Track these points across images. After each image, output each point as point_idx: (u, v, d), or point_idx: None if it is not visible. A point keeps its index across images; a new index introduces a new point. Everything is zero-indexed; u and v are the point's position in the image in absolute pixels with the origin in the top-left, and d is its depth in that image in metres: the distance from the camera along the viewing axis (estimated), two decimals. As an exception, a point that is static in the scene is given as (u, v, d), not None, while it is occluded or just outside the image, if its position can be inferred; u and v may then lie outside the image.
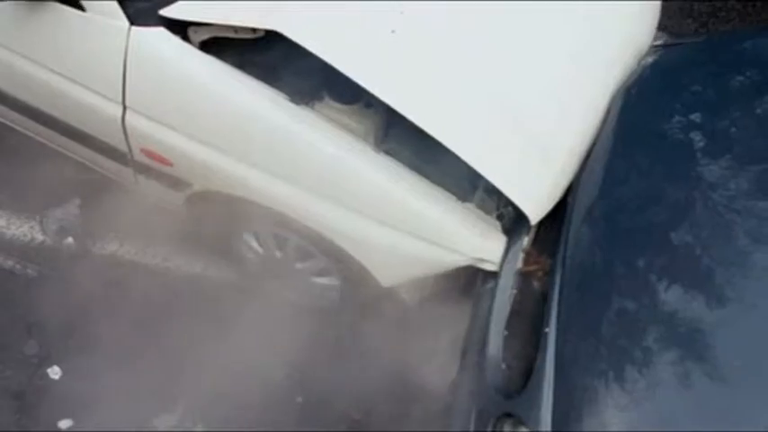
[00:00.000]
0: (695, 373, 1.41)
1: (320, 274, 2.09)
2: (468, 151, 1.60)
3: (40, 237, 2.43)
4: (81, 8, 1.69)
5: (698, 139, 1.70)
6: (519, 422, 1.48)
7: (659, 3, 2.33)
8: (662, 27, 3.62)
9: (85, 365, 2.22)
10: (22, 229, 2.44)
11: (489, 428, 1.50)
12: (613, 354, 1.47)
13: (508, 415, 1.50)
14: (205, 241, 2.33)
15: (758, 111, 1.69)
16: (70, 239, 2.41)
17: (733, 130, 1.73)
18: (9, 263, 2.37)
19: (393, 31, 1.65)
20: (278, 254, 2.10)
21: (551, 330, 1.52)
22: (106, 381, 2.18)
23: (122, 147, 1.91)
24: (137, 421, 2.16)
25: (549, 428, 1.40)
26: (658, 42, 2.11)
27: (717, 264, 1.52)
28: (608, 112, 1.90)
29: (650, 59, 2.01)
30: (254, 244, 2.14)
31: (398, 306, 1.95)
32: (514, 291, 1.71)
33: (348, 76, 1.56)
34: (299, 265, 2.10)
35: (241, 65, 1.73)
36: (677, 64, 1.93)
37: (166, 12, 1.67)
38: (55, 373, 2.22)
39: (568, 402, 1.43)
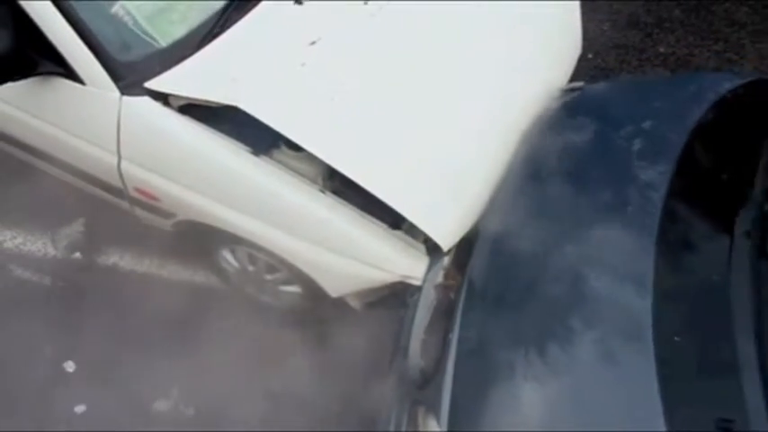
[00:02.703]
0: (566, 372, 1.84)
1: (286, 283, 2.55)
2: (386, 192, 2.02)
3: (52, 251, 2.88)
4: (82, 82, 2.13)
5: (589, 175, 2.11)
6: (428, 409, 1.94)
7: (577, 53, 2.72)
8: (609, 39, 3.95)
9: (95, 360, 2.67)
10: (36, 245, 2.90)
11: (405, 414, 1.96)
12: (502, 357, 1.90)
13: (420, 403, 1.96)
14: (192, 254, 2.79)
15: (642, 150, 2.09)
16: (78, 254, 2.86)
17: (621, 167, 2.13)
18: (27, 274, 2.83)
19: (332, 99, 2.09)
20: (250, 267, 2.56)
21: (454, 335, 1.97)
22: (113, 372, 2.63)
23: (119, 185, 2.36)
24: (139, 406, 2.62)
25: (446, 415, 1.85)
26: (567, 86, 2.51)
27: (594, 286, 1.92)
28: (516, 150, 2.32)
29: (557, 104, 2.41)
30: (231, 259, 2.59)
31: (346, 311, 2.41)
32: (434, 302, 2.16)
33: (289, 137, 2.00)
34: (268, 277, 2.55)
35: (212, 123, 2.16)
36: (581, 108, 2.33)
37: (150, 85, 2.11)
38: (70, 366, 2.67)
39: (464, 394, 1.88)
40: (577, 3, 2.82)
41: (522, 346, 1.89)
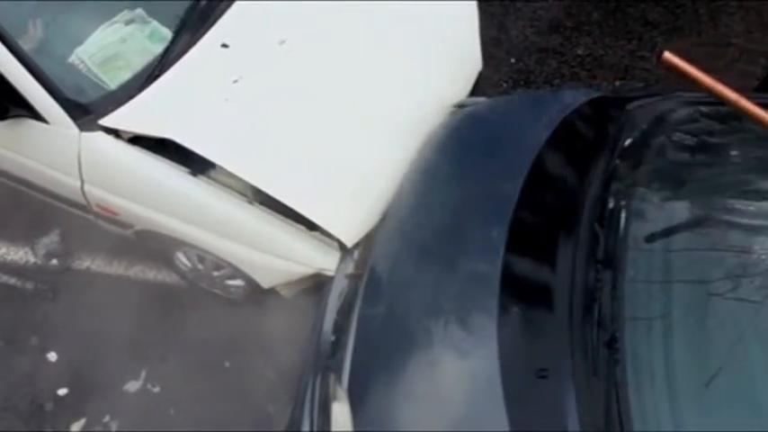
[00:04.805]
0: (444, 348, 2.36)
1: (231, 278, 3.08)
2: (295, 200, 2.54)
3: (32, 259, 3.41)
4: (46, 122, 2.65)
5: (460, 184, 2.65)
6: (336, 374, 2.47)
7: (476, 69, 3.21)
8: (531, 43, 4.39)
9: (74, 349, 3.20)
10: (18, 254, 3.43)
11: (319, 379, 2.50)
12: (393, 333, 2.43)
13: (331, 370, 2.50)
14: (153, 257, 3.33)
15: (498, 161, 2.63)
16: (55, 260, 3.40)
17: (483, 178, 2.65)
18: (12, 280, 3.35)
19: (251, 127, 2.62)
20: (200, 266, 3.09)
21: (355, 315, 2.51)
22: (89, 359, 3.16)
23: (84, 203, 2.89)
24: (112, 387, 3.16)
25: (347, 377, 2.39)
26: (460, 102, 3.02)
27: (458, 273, 2.45)
28: (414, 159, 2.84)
29: (447, 119, 2.93)
30: (185, 260, 3.13)
31: (280, 299, 2.96)
32: (345, 289, 2.69)
33: (213, 161, 2.53)
34: (215, 273, 3.09)
35: (157, 150, 2.69)
36: (459, 125, 2.84)
37: (103, 122, 2.64)
38: (52, 357, 3.19)
39: (361, 360, 2.42)
40: (476, 26, 3.32)
41: (408, 322, 2.43)
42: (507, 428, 2.05)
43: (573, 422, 2.03)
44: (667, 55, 1.88)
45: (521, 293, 2.30)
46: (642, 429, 2.03)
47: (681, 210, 2.38)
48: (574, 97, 2.69)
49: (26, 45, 2.64)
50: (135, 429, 3.10)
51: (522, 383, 2.11)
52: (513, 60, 4.44)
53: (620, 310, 2.20)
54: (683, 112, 2.57)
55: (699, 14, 4.60)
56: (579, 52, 4.47)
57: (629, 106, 2.63)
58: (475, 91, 3.29)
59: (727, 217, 2.33)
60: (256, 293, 3.05)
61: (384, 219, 2.70)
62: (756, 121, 1.98)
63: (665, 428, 2.04)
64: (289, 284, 2.84)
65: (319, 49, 2.86)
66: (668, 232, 2.35)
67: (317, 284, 2.85)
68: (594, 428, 2.03)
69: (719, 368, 2.06)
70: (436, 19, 3.12)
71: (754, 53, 4.42)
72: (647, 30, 4.55)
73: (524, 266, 2.36)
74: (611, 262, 2.29)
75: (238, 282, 3.06)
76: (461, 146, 2.73)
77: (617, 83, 4.37)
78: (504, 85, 4.33)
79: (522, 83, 4.34)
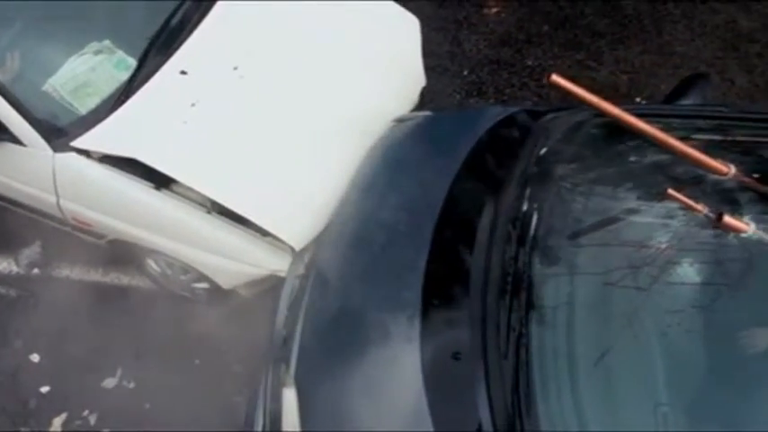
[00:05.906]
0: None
1: (197, 281, 3.43)
2: (245, 208, 2.88)
3: (15, 269, 3.74)
4: (23, 145, 3.00)
5: (394, 193, 3.00)
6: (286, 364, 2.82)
7: (419, 85, 3.55)
8: (484, 56, 4.70)
9: (55, 351, 3.52)
10: (2, 264, 3.74)
11: (271, 368, 2.84)
12: (334, 325, 2.78)
13: (282, 360, 2.84)
14: (127, 263, 3.68)
15: (427, 172, 2.98)
16: (36, 270, 3.73)
17: (428, 183, 2.99)
18: (-4, 289, 3.72)
19: (208, 146, 2.97)
20: (169, 271, 3.44)
21: (302, 310, 2.86)
22: (69, 359, 3.49)
23: (61, 216, 3.24)
24: (91, 384, 3.50)
25: (294, 364, 2.73)
26: (399, 117, 3.36)
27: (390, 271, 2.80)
28: (356, 169, 3.18)
29: (391, 132, 3.28)
30: (154, 266, 3.47)
31: (240, 299, 3.31)
32: (296, 288, 3.03)
33: (173, 176, 2.88)
34: (182, 277, 3.43)
35: (124, 167, 3.03)
36: (409, 133, 3.18)
37: (74, 143, 2.98)
38: (35, 358, 3.48)
39: (306, 348, 2.77)
40: (419, 45, 3.66)
41: (347, 314, 2.78)
42: (426, 407, 2.40)
43: (482, 400, 2.37)
44: (554, 77, 2.23)
45: (442, 285, 2.65)
46: (545, 406, 2.36)
47: (585, 210, 2.73)
48: (499, 112, 3.04)
49: (4, 76, 2.99)
50: (112, 422, 3.43)
51: (439, 365, 2.46)
52: (465, 72, 4.75)
53: (528, 299, 2.55)
54: (591, 124, 2.92)
55: (644, 24, 4.91)
56: (529, 63, 4.75)
57: (545, 118, 2.98)
58: (421, 104, 3.65)
59: (624, 216, 2.68)
60: (221, 295, 3.40)
61: (329, 225, 3.05)
62: (637, 132, 2.34)
63: (565, 404, 2.38)
64: (247, 285, 3.19)
65: (269, 73, 3.21)
66: (574, 230, 2.70)
67: (273, 285, 3.19)
68: (502, 405, 2.37)
69: (610, 347, 2.41)
70: (380, 40, 3.47)
71: (696, 60, 4.75)
72: (594, 40, 4.83)
73: (446, 261, 2.71)
74: (522, 257, 2.64)
75: (204, 284, 3.40)
76: (398, 157, 3.08)
77: (564, 92, 4.67)
78: (458, 96, 4.65)
79: (474, 94, 4.65)
